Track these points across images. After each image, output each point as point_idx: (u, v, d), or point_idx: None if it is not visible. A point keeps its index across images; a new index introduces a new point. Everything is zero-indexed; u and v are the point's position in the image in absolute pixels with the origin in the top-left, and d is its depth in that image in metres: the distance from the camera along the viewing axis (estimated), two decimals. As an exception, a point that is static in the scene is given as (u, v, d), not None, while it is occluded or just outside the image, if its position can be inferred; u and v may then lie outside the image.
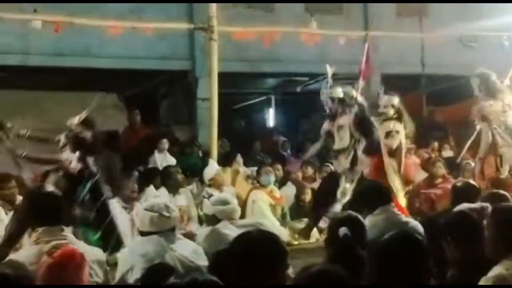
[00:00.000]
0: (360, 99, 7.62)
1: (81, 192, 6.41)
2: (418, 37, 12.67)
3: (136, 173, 8.92)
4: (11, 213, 6.49)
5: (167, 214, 4.47)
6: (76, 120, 6.49)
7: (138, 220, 4.72)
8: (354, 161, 7.34)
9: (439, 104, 13.76)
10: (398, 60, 13.06)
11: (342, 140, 7.46)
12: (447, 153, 11.43)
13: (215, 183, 8.11)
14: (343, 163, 7.44)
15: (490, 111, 8.09)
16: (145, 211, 4.55)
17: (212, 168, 8.33)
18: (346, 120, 7.48)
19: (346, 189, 7.24)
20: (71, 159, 6.32)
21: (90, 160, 6.47)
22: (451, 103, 13.24)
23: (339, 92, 7.65)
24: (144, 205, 4.70)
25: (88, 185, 6.60)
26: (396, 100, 8.26)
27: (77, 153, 6.35)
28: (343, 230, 3.61)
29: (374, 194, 5.11)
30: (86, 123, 6.57)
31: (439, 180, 8.58)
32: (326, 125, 7.84)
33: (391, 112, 8.14)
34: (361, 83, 8.73)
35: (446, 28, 11.99)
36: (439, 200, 7.97)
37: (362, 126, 7.33)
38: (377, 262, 2.68)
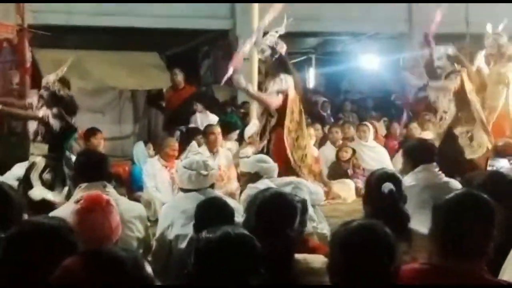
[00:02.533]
0: None
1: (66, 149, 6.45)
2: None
3: (177, 132, 9.04)
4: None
5: (204, 173, 4.53)
6: (52, 77, 6.37)
7: (178, 177, 4.79)
8: None
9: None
10: (442, 18, 12.80)
11: None
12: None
13: (254, 142, 8.16)
14: None
15: None
16: (183, 169, 4.62)
17: (253, 126, 8.36)
18: None
19: None
20: (48, 115, 6.27)
21: (70, 118, 6.39)
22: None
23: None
24: (183, 162, 4.76)
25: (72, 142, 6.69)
26: (502, 39, 7.82)
27: (54, 110, 6.22)
28: (387, 186, 3.56)
29: (417, 151, 5.11)
30: (63, 81, 6.52)
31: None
32: None
33: (447, 62, 7.48)
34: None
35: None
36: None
37: None
38: (443, 222, 2.53)
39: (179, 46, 13.63)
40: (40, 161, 6.06)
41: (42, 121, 6.24)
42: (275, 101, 6.88)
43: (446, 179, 4.94)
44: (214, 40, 13.58)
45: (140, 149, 8.34)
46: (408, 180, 4.88)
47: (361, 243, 2.32)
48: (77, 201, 3.37)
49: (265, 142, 6.99)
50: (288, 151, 6.85)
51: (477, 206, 2.51)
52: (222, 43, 13.34)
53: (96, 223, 3.15)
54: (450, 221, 2.49)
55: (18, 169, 7.10)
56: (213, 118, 10.06)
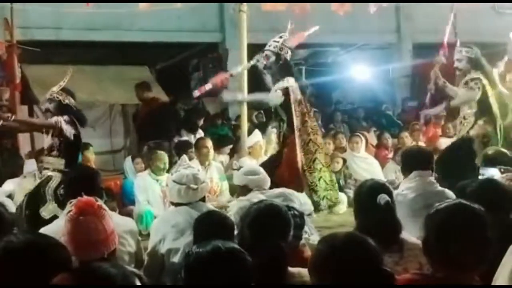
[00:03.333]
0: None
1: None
2: (450, 4, 12.45)
3: (145, 147, 9.04)
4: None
5: (194, 186, 4.51)
6: (56, 88, 6.34)
7: (168, 191, 4.77)
8: None
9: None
10: (431, 28, 12.89)
11: None
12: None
13: (254, 152, 8.19)
14: None
15: None
16: (173, 183, 4.60)
17: (254, 137, 8.38)
18: None
19: None
20: (60, 121, 6.25)
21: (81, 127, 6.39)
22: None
23: None
24: (173, 176, 4.75)
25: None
26: (472, 52, 7.43)
27: (65, 117, 6.17)
28: (384, 197, 3.53)
29: (413, 157, 5.09)
30: (66, 90, 6.55)
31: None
32: None
33: (467, 65, 7.34)
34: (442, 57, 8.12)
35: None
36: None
37: None
38: (433, 232, 2.52)
39: (169, 59, 13.65)
40: (56, 176, 6.00)
41: (56, 129, 6.20)
42: (273, 96, 6.86)
43: (440, 188, 4.86)
44: (203, 53, 13.61)
45: (127, 165, 8.34)
46: (401, 187, 4.88)
47: (344, 255, 2.30)
48: (68, 211, 3.35)
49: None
50: (298, 155, 6.80)
51: (468, 217, 2.50)
52: (212, 56, 13.37)
53: (89, 227, 3.10)
54: (441, 232, 2.48)
55: (9, 185, 7.08)
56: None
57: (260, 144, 8.36)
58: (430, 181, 4.89)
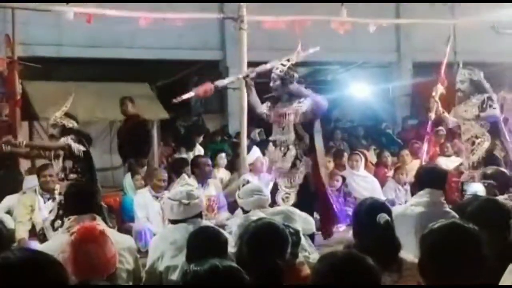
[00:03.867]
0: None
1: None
2: (450, 24, 12.52)
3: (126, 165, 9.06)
4: (49, 201, 6.69)
5: (186, 202, 4.51)
6: (58, 114, 6.56)
7: (164, 208, 4.79)
8: None
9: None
10: (430, 47, 12.95)
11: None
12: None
13: (255, 169, 8.22)
14: None
15: None
16: (168, 200, 4.64)
17: (254, 153, 8.43)
18: None
19: None
20: (68, 139, 6.37)
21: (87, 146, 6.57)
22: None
23: None
24: (168, 194, 4.77)
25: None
26: (474, 74, 7.53)
27: (71, 136, 6.40)
28: (383, 217, 3.52)
29: (425, 174, 5.08)
30: (69, 115, 6.66)
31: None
32: None
33: (470, 87, 7.45)
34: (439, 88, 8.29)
35: (478, 15, 11.83)
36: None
37: None
38: (427, 253, 2.54)
39: (169, 76, 13.69)
40: None
41: (66, 149, 6.32)
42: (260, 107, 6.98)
43: (448, 209, 4.76)
44: (204, 70, 13.65)
45: (127, 181, 8.34)
46: (411, 202, 4.88)
47: (342, 274, 2.30)
48: (71, 233, 3.37)
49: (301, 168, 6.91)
50: (323, 175, 6.84)
51: (461, 236, 2.51)
52: (212, 74, 13.39)
53: (90, 254, 3.17)
54: (434, 252, 2.50)
55: (8, 201, 7.08)
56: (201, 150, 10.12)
57: (261, 160, 8.40)
58: (440, 200, 4.86)
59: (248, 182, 5.72)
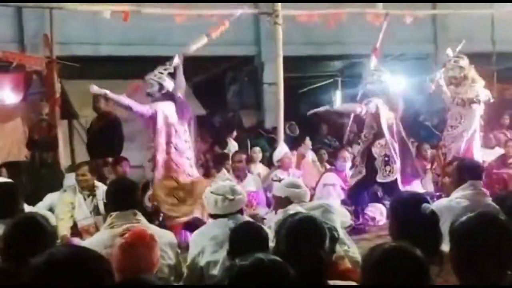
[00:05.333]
0: None
1: None
2: (488, 14, 12.31)
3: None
4: (89, 198, 6.77)
5: (231, 197, 4.54)
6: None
7: (206, 203, 4.80)
8: None
9: (510, 81, 13.41)
10: (467, 37, 12.76)
11: None
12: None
13: (283, 165, 8.20)
14: None
15: None
16: (210, 194, 4.65)
17: (281, 150, 8.41)
18: None
19: None
20: None
21: None
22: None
23: None
24: (211, 188, 4.79)
25: None
26: (463, 62, 7.91)
27: None
28: (427, 206, 3.44)
29: (466, 168, 5.09)
30: None
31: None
32: None
33: (458, 74, 7.83)
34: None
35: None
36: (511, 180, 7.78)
37: None
38: (456, 245, 2.55)
39: (205, 73, 13.74)
40: None
41: None
42: None
43: (490, 202, 4.76)
44: (239, 66, 13.67)
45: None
46: (455, 195, 4.85)
47: (393, 264, 2.30)
48: (121, 235, 3.44)
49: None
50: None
51: (490, 229, 2.49)
52: (248, 69, 13.42)
53: (139, 259, 3.25)
54: (463, 245, 2.52)
55: (50, 199, 7.18)
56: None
57: (289, 156, 8.36)
58: (483, 192, 4.87)
59: (280, 179, 5.72)
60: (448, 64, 7.89)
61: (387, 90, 7.46)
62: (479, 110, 7.79)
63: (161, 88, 7.12)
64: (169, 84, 7.18)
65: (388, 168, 7.28)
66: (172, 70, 7.36)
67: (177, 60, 7.51)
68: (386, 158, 7.32)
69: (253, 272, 2.12)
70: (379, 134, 7.38)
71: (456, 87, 7.76)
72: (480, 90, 7.74)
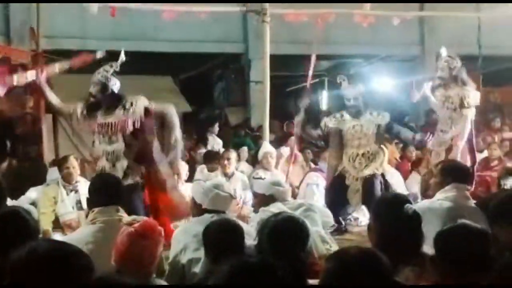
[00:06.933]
0: None
1: None
2: (475, 18, 12.39)
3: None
4: (72, 193, 6.74)
5: (225, 194, 4.67)
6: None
7: (198, 196, 4.76)
8: None
9: (495, 85, 13.50)
10: (454, 41, 12.84)
11: None
12: (507, 134, 11.23)
13: (264, 165, 8.17)
14: None
15: None
16: (211, 187, 4.71)
17: (264, 149, 8.38)
18: None
19: None
20: None
21: None
22: (507, 84, 12.97)
23: None
24: (209, 182, 4.83)
25: None
26: (454, 63, 7.74)
27: None
28: (410, 207, 3.45)
29: (450, 170, 5.07)
30: None
31: (495, 162, 8.42)
32: None
33: (447, 75, 7.70)
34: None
35: (504, 8, 11.69)
36: (494, 182, 7.80)
37: None
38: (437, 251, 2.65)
39: (193, 70, 13.73)
40: None
41: None
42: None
43: (473, 205, 4.79)
44: (226, 63, 13.67)
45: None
46: (438, 196, 4.85)
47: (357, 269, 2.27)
48: (130, 224, 3.42)
49: None
50: None
51: (469, 240, 2.63)
52: (235, 67, 13.42)
53: (144, 250, 3.23)
54: (441, 253, 2.69)
55: (33, 193, 7.14)
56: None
57: (270, 156, 8.29)
58: (466, 195, 4.86)
59: (261, 177, 5.72)
60: (439, 64, 7.82)
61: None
62: (470, 114, 7.72)
63: (104, 88, 6.65)
64: (114, 86, 6.76)
65: None
66: (118, 68, 6.89)
67: (123, 57, 6.90)
68: None
69: (239, 274, 2.07)
70: None
71: (445, 90, 7.70)
72: (472, 94, 7.68)
